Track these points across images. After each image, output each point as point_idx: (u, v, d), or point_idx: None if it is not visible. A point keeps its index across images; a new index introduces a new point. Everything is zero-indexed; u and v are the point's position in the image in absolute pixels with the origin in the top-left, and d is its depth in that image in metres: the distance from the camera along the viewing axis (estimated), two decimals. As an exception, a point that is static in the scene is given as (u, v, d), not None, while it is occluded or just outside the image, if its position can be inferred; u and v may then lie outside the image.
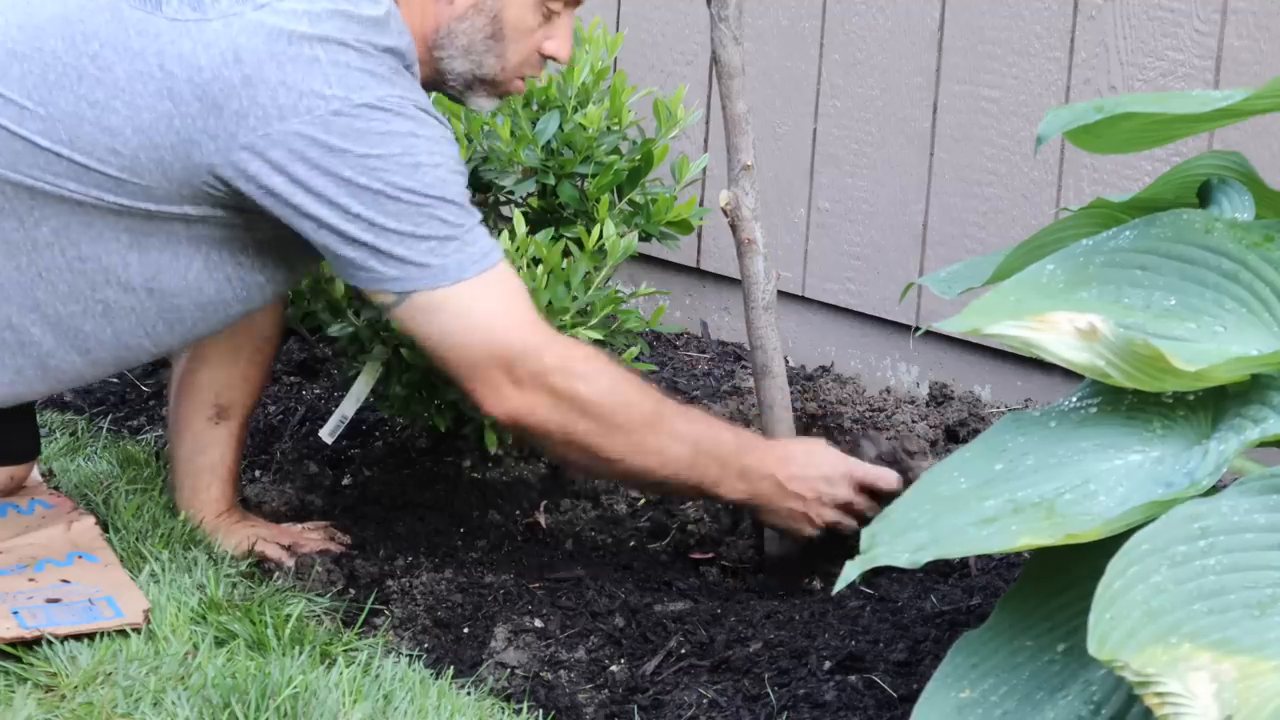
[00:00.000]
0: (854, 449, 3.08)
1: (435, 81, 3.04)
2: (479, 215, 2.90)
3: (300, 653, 2.81)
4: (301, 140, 2.80)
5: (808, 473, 3.01)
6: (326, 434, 3.36)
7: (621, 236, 3.22)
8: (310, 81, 2.80)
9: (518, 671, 2.86)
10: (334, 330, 3.29)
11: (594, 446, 2.93)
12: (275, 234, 2.91)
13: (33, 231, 2.88)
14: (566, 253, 3.24)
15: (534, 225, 3.28)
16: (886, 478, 3.02)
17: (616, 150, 3.34)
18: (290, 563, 3.13)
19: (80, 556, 3.06)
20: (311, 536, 3.22)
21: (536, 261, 3.17)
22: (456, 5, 2.97)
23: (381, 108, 2.82)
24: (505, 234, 3.16)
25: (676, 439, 2.95)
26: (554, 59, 3.04)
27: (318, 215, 2.83)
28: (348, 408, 3.34)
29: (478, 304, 2.87)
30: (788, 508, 3.01)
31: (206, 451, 3.25)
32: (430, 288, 2.85)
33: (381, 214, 2.82)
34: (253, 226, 2.91)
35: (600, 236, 3.20)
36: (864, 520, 2.91)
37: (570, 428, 2.91)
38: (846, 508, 3.01)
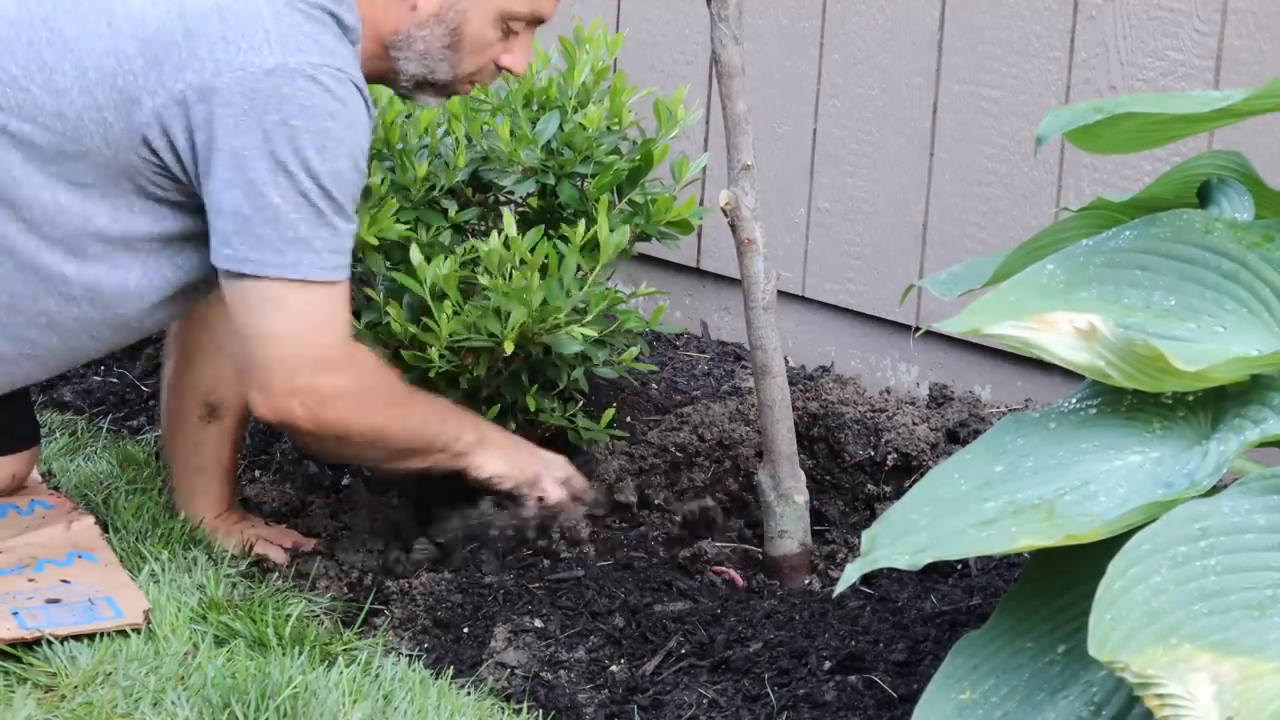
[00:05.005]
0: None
1: (383, 75, 3.05)
2: (355, 225, 2.91)
3: (300, 653, 2.81)
4: (231, 95, 2.80)
5: (533, 450, 3.17)
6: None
7: (613, 231, 3.22)
8: (250, 38, 2.81)
9: (518, 671, 2.86)
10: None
11: (354, 448, 3.01)
12: (202, 228, 2.91)
13: None
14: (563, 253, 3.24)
15: (533, 225, 3.28)
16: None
17: (616, 150, 3.34)
18: (285, 562, 3.14)
19: (80, 556, 3.06)
20: (311, 539, 3.23)
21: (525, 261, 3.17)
22: (419, 12, 2.97)
23: (315, 78, 2.82)
24: (495, 234, 3.16)
25: (421, 431, 3.04)
26: (510, 71, 3.06)
27: (222, 175, 2.83)
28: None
29: (312, 306, 2.88)
30: (518, 455, 3.12)
31: (201, 451, 3.24)
32: (292, 278, 2.85)
33: (274, 186, 2.82)
34: (181, 218, 2.92)
35: (588, 231, 3.20)
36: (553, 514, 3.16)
37: (339, 434, 2.95)
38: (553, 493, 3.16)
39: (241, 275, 2.86)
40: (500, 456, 3.11)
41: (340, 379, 2.92)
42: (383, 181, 3.21)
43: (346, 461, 3.10)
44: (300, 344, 2.89)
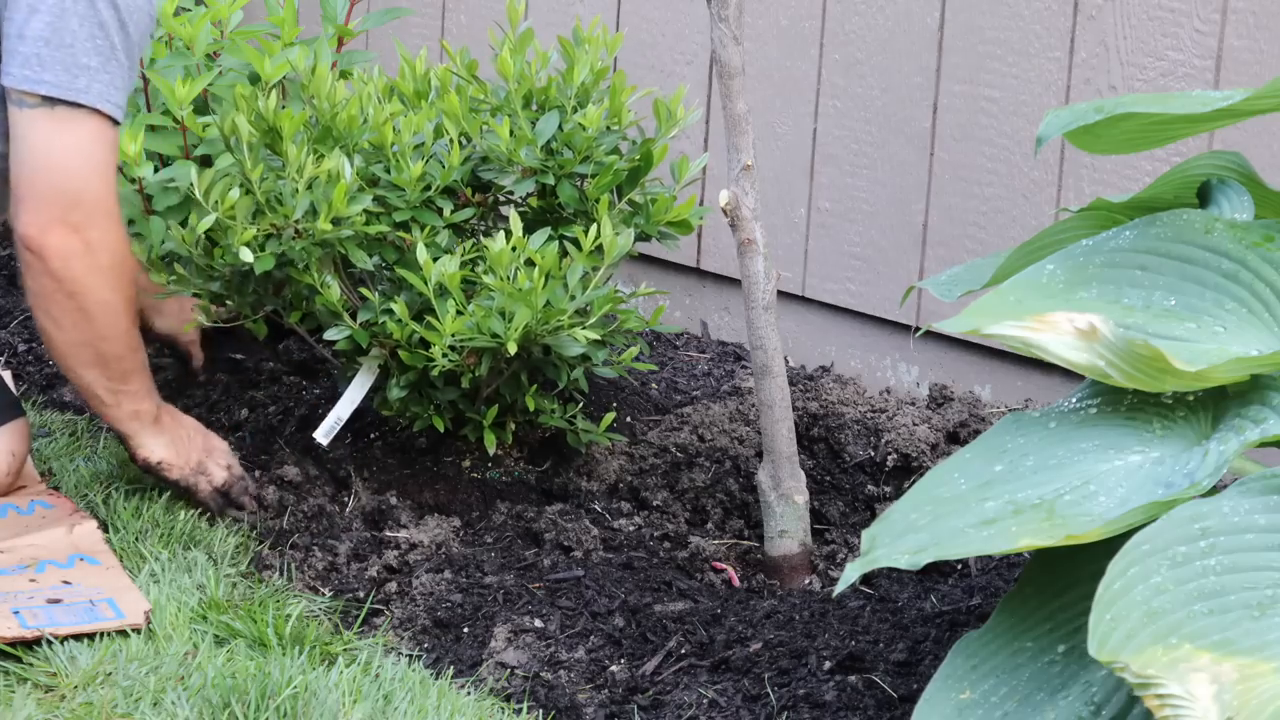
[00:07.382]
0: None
1: None
2: (136, 71, 3.05)
3: (300, 653, 2.81)
4: None
5: (193, 436, 3.28)
6: (322, 435, 3.35)
7: (618, 234, 3.22)
8: None
9: (518, 671, 2.86)
10: (331, 334, 3.29)
11: (70, 314, 3.07)
12: None
13: None
14: (564, 252, 3.24)
15: (533, 225, 3.28)
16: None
17: (616, 150, 3.34)
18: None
19: (81, 559, 3.06)
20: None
21: (531, 263, 3.17)
22: None
23: None
24: (501, 235, 3.15)
25: (132, 350, 3.14)
26: None
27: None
28: (343, 409, 3.34)
29: (97, 142, 3.01)
30: (182, 444, 3.23)
31: None
32: (82, 104, 2.98)
33: (74, 14, 2.96)
34: None
35: (597, 236, 3.20)
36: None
37: (72, 288, 3.04)
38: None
39: (39, 96, 2.99)
40: (168, 444, 3.23)
41: (107, 231, 3.03)
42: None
43: (46, 329, 3.15)
44: (77, 176, 3.01)
